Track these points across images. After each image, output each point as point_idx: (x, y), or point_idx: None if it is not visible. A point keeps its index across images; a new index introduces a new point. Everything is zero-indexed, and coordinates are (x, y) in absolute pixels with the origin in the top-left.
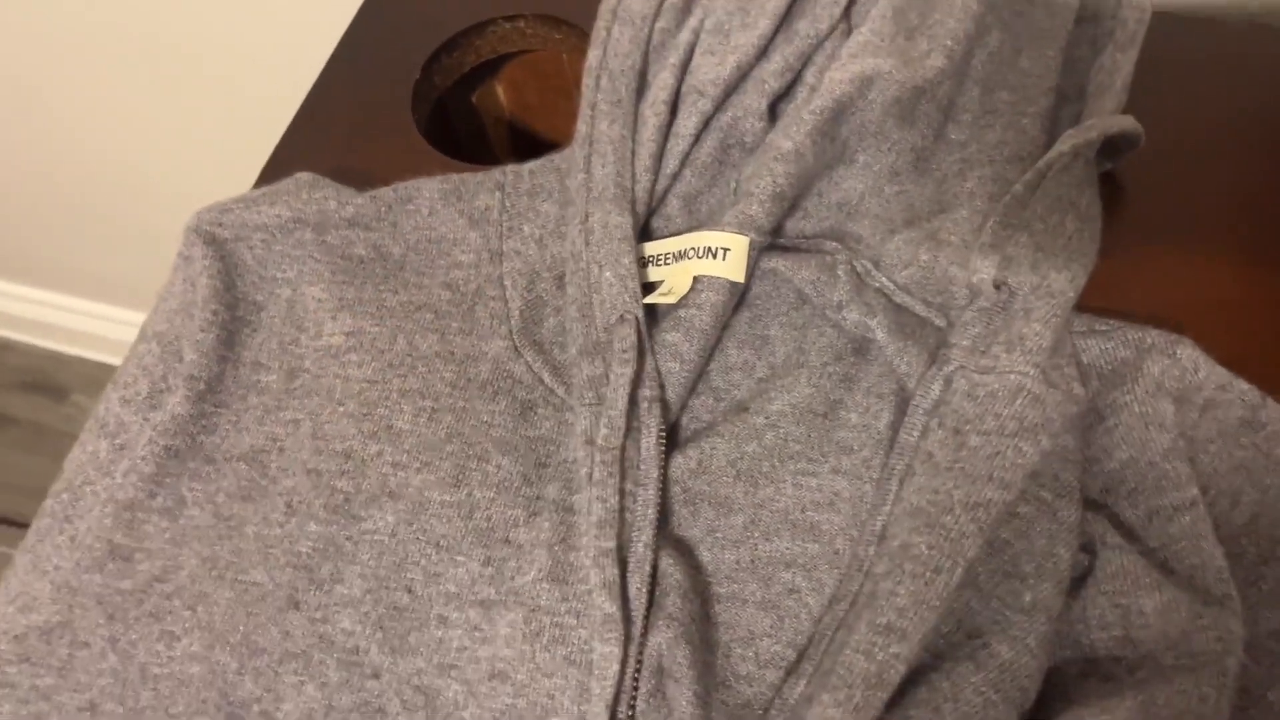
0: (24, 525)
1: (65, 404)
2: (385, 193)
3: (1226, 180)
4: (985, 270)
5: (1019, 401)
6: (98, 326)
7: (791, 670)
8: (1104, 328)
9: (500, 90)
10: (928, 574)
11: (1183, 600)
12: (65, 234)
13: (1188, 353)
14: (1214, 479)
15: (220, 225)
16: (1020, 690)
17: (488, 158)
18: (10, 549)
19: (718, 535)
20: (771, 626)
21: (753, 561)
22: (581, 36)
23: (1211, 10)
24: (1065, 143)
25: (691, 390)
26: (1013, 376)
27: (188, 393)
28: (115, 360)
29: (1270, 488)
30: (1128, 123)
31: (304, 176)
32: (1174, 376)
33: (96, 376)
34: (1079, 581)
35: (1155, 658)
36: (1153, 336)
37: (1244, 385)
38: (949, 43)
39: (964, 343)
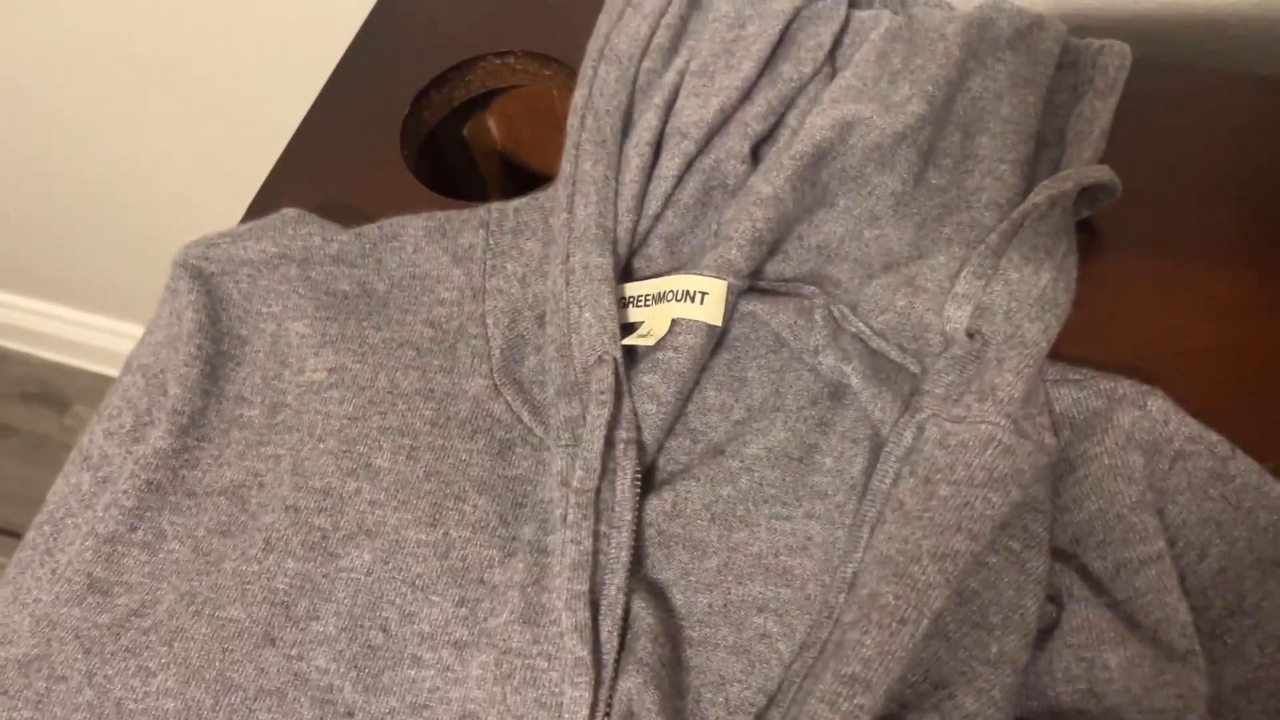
0: (22, 535)
1: (66, 415)
2: (370, 229)
3: (1202, 229)
4: (959, 319)
5: (989, 452)
6: (99, 338)
7: (760, 717)
8: (1077, 376)
9: (492, 124)
10: (894, 624)
11: (1147, 656)
12: (67, 246)
13: (1158, 404)
14: (1183, 530)
15: (207, 260)
16: None
17: (479, 190)
18: (9, 560)
19: (691, 578)
20: (742, 672)
21: (725, 605)
22: (570, 74)
23: (1193, 56)
24: (1040, 194)
25: (668, 432)
26: (984, 427)
27: (170, 426)
28: (116, 372)
29: (1238, 540)
30: (1104, 174)
31: (290, 212)
32: (1144, 428)
33: (97, 388)
34: (1046, 633)
35: (1118, 712)
36: (1124, 387)
37: (1214, 437)
38: (930, 88)
39: (937, 391)
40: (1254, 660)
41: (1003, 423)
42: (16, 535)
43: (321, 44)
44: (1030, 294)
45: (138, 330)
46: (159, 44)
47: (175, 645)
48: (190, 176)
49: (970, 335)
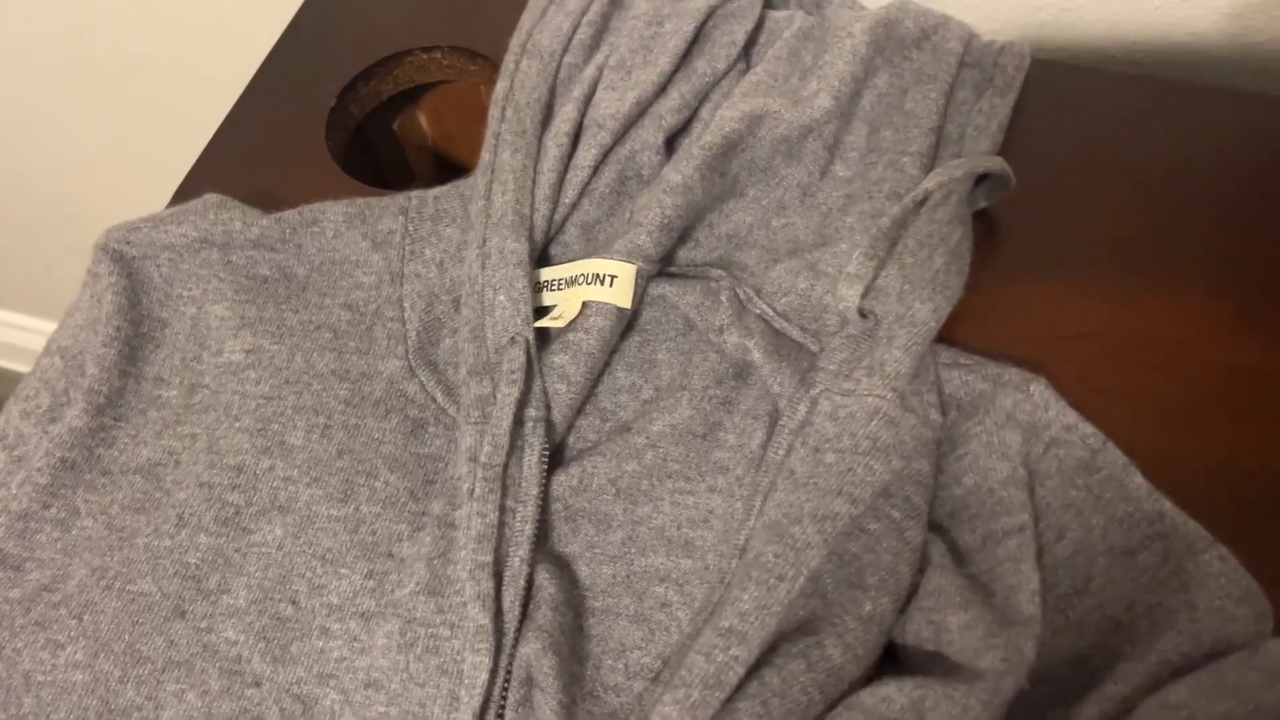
0: None
1: None
2: (290, 215)
3: (1090, 221)
4: (850, 298)
5: (874, 422)
6: (34, 341)
7: (656, 678)
8: (968, 361)
9: (423, 119)
10: (771, 580)
11: (984, 620)
12: (18, 252)
13: (1040, 390)
14: (1046, 513)
15: (128, 243)
16: (840, 693)
17: (411, 186)
18: None
19: (596, 551)
20: (643, 639)
21: (628, 576)
22: (495, 68)
23: (1093, 60)
24: (931, 180)
25: (578, 411)
26: (870, 399)
27: (87, 405)
28: None
29: (1094, 528)
30: (995, 164)
31: (212, 198)
32: (1025, 410)
33: None
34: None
35: (955, 673)
36: (1010, 373)
37: (1089, 429)
38: (837, 84)
39: (830, 367)
40: (1090, 637)
41: (889, 395)
42: None
43: (250, 39)
44: (923, 276)
45: None
46: (86, 41)
47: (85, 619)
48: (123, 175)
49: (863, 315)
